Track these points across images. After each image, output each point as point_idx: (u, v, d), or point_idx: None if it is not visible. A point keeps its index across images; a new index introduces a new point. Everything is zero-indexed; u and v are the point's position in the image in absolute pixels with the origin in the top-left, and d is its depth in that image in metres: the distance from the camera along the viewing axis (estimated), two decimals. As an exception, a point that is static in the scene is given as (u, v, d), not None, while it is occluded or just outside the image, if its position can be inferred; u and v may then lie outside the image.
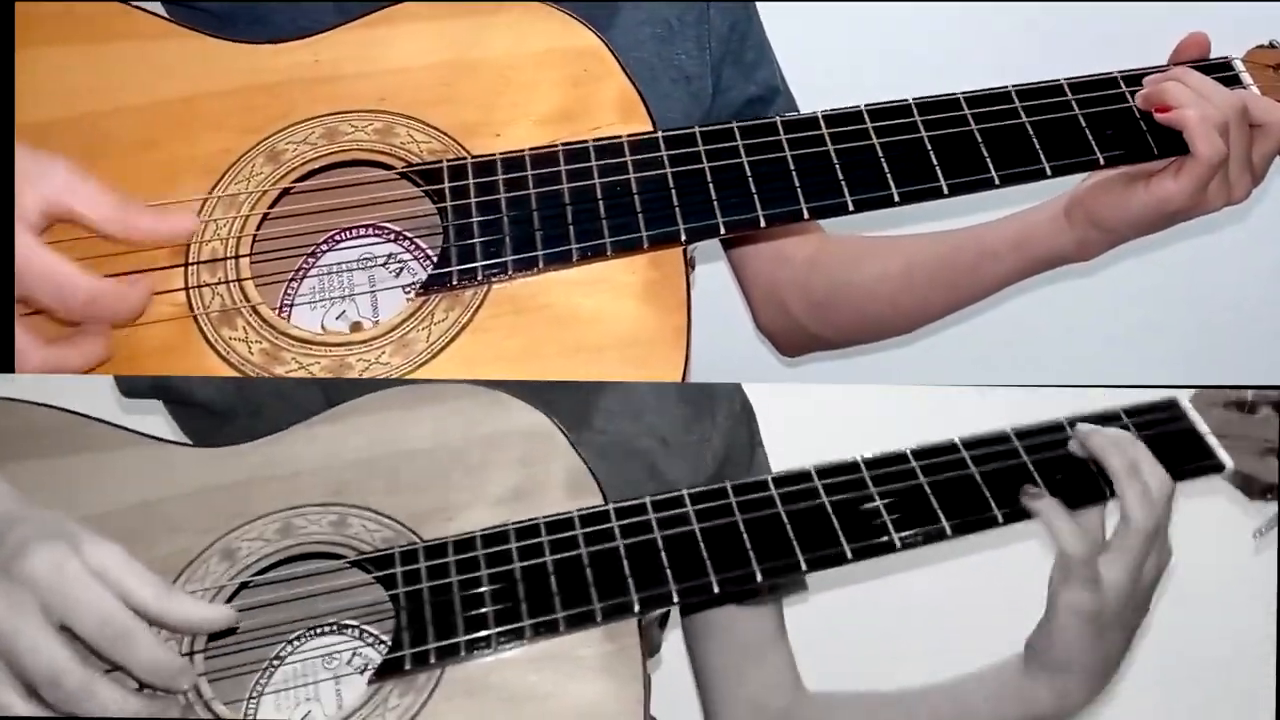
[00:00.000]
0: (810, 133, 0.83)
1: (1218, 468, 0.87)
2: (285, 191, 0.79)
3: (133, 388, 0.90)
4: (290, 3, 0.86)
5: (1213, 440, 0.87)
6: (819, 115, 0.84)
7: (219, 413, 0.87)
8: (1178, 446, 0.85)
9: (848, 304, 1.01)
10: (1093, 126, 0.85)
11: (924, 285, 0.97)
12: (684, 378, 0.77)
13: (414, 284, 0.81)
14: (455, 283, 0.77)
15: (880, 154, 0.83)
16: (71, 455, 0.80)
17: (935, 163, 0.83)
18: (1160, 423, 0.87)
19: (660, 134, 0.82)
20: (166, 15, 0.87)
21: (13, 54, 0.80)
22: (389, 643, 0.74)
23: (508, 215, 0.78)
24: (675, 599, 0.76)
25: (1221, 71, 0.90)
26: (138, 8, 0.83)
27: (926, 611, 1.21)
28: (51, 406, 0.82)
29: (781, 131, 0.83)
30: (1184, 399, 0.89)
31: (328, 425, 0.82)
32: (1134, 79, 0.88)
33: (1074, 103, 0.86)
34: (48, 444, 0.80)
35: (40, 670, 0.66)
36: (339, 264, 0.84)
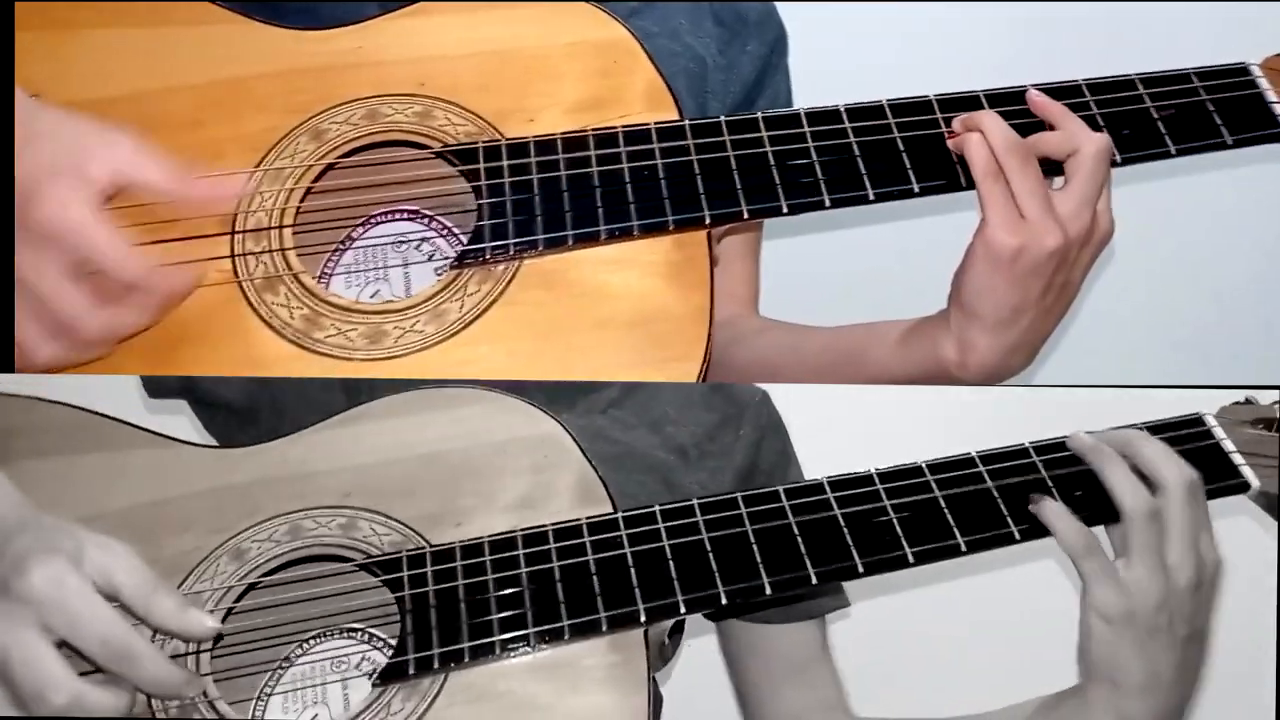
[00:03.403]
0: (833, 125, 0.85)
1: (1243, 487, 0.84)
2: (329, 167, 0.83)
3: (158, 388, 0.91)
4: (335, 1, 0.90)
5: (1238, 458, 0.85)
6: (841, 109, 0.86)
7: (241, 413, 0.89)
8: (1202, 464, 0.82)
9: (735, 362, 1.00)
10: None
11: (808, 362, 0.97)
12: (707, 355, 0.80)
13: (445, 266, 0.84)
14: (488, 257, 0.80)
15: (901, 147, 0.85)
16: (89, 453, 0.81)
17: (956, 158, 0.85)
18: (1184, 440, 0.84)
19: (687, 122, 0.84)
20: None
21: (13, 53, 0.83)
22: (395, 647, 0.75)
23: (539, 195, 0.81)
24: (682, 609, 0.76)
25: (1237, 76, 0.92)
26: (194, -3, 0.87)
27: (979, 635, 1.19)
28: (72, 405, 0.83)
29: (805, 123, 0.85)
30: (1209, 415, 0.87)
31: (341, 429, 0.83)
32: (1152, 81, 0.90)
33: (1093, 103, 0.88)
34: (66, 441, 0.82)
35: (28, 685, 0.66)
36: (375, 245, 0.87)
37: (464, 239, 0.86)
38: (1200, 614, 0.79)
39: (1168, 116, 0.89)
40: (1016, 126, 0.85)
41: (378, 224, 0.88)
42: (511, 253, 0.80)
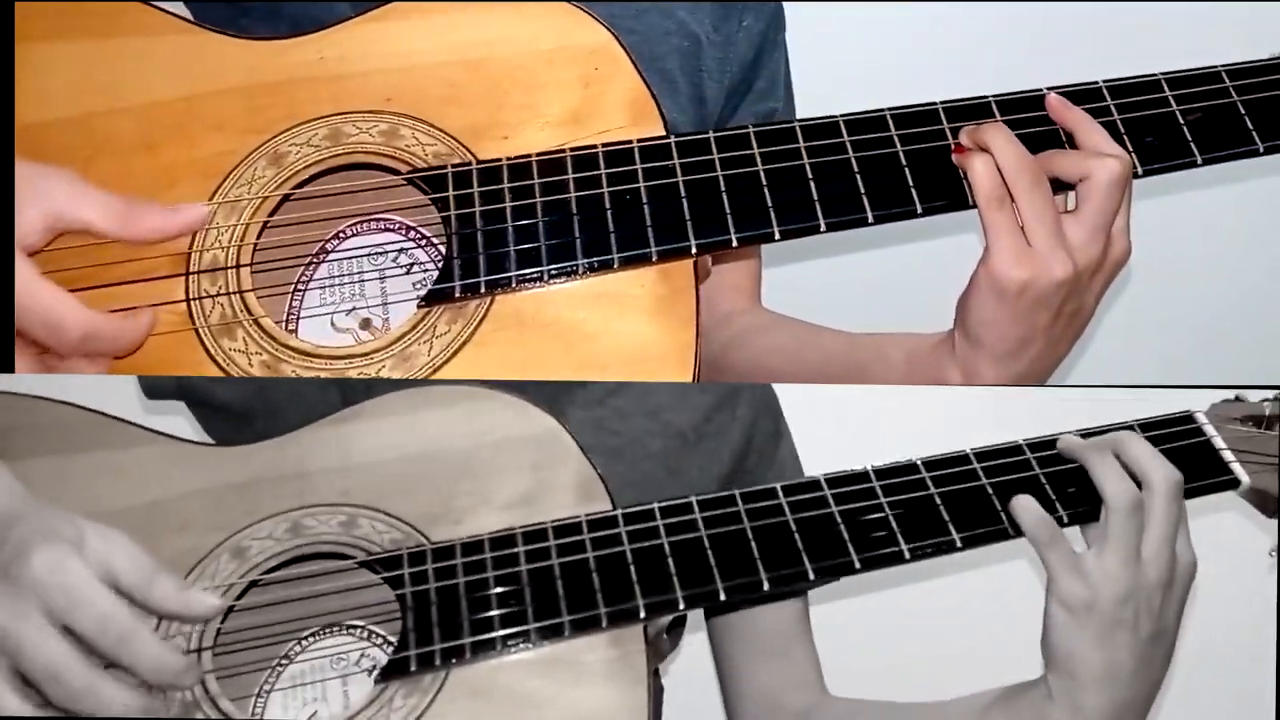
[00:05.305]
0: (830, 140, 0.80)
1: (1233, 484, 0.85)
2: (287, 197, 0.78)
3: (155, 389, 0.90)
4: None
5: (1228, 455, 0.85)
6: (840, 120, 0.80)
7: (239, 414, 0.87)
8: (1192, 461, 0.83)
9: (733, 366, 0.98)
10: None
11: (808, 372, 0.95)
12: (691, 396, 0.76)
13: (425, 279, 0.79)
14: (457, 295, 0.76)
15: (904, 162, 0.79)
16: (88, 452, 0.80)
17: (962, 174, 0.79)
18: (1175, 437, 0.85)
19: (673, 140, 0.79)
20: (186, 6, 0.85)
21: (12, 54, 0.78)
22: (396, 644, 0.75)
23: (512, 225, 0.77)
24: (681, 605, 0.76)
25: (1274, 74, 0.85)
26: (144, 2, 0.81)
27: (955, 619, 1.20)
28: (71, 404, 0.82)
29: (800, 138, 0.80)
30: (1199, 413, 0.87)
31: (340, 426, 0.82)
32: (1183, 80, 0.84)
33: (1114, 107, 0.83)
34: (65, 440, 0.81)
35: (41, 667, 0.66)
36: (349, 258, 0.83)
37: (441, 248, 0.81)
38: (1168, 612, 0.79)
39: (1194, 121, 0.83)
40: (1032, 135, 0.80)
41: (353, 236, 0.83)
42: (483, 289, 0.76)
